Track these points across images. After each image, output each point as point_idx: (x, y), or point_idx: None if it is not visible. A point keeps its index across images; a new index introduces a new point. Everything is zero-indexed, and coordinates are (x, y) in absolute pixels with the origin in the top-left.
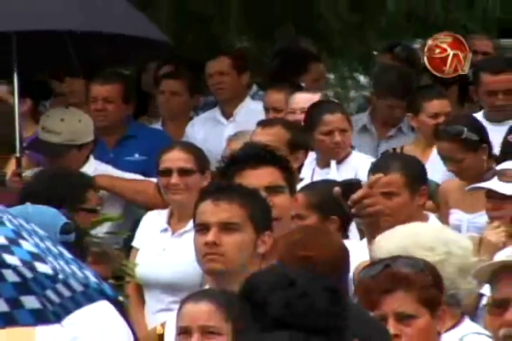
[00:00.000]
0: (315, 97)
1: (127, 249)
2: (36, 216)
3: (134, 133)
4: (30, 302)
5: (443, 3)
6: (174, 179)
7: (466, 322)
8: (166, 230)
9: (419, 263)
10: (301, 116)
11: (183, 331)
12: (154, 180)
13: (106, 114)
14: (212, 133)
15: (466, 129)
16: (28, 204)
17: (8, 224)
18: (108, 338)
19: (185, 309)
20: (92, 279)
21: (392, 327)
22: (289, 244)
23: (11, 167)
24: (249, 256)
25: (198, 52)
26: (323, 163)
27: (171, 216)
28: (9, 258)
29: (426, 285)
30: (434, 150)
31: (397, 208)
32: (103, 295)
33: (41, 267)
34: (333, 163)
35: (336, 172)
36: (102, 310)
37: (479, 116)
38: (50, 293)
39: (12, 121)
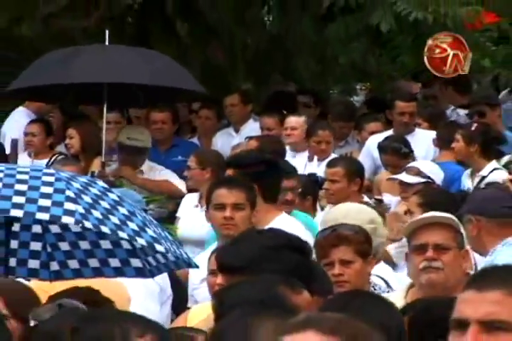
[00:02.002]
0: (301, 119)
1: (172, 218)
2: (129, 196)
3: (176, 144)
4: (135, 262)
5: (376, 58)
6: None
7: (381, 264)
8: (197, 206)
9: (355, 228)
10: (290, 132)
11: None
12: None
13: (162, 131)
14: (225, 142)
15: (402, 145)
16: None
17: (138, 215)
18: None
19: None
20: (184, 255)
21: (337, 270)
22: None
23: (94, 167)
24: (248, 225)
25: (217, 91)
26: (310, 159)
27: (200, 197)
28: (139, 240)
29: (360, 241)
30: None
31: (338, 191)
32: (186, 263)
33: (158, 247)
34: (315, 159)
35: (317, 166)
36: None
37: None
38: (150, 259)
39: (99, 135)
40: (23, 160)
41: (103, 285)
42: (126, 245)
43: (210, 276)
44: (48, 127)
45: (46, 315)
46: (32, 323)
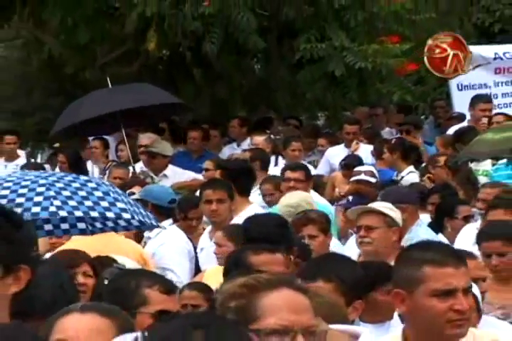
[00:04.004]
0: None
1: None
2: (159, 190)
3: (204, 154)
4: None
5: (332, 95)
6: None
7: (333, 239)
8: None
9: (319, 211)
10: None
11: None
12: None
13: (194, 145)
14: (230, 153)
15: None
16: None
17: (110, 194)
18: (178, 245)
19: None
20: (149, 220)
21: (306, 242)
22: None
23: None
24: (229, 213)
25: (221, 117)
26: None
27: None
28: (108, 214)
29: (322, 221)
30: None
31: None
32: (150, 225)
33: (125, 215)
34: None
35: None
36: (173, 230)
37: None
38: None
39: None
40: (88, 166)
41: (119, 243)
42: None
43: (217, 247)
44: (106, 143)
45: (111, 275)
46: (105, 281)
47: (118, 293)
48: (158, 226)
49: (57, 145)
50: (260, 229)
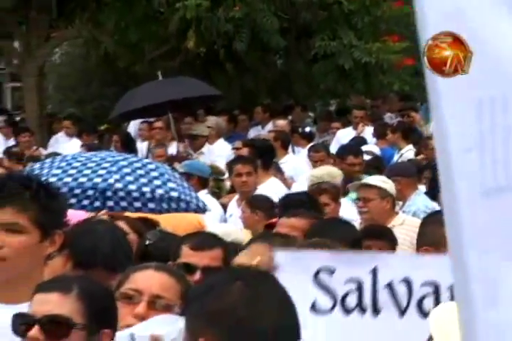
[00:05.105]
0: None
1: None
2: (201, 165)
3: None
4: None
5: (342, 85)
6: None
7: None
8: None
9: (331, 183)
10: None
11: None
12: None
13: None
14: (256, 134)
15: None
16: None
17: (165, 175)
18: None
19: None
20: (195, 201)
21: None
22: None
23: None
24: (254, 184)
25: (249, 104)
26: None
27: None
28: (158, 191)
29: (332, 191)
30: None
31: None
32: (197, 208)
33: (173, 193)
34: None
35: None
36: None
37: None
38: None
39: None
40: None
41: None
42: (148, 195)
43: (242, 213)
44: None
45: (153, 237)
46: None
47: (160, 249)
48: (205, 210)
49: (104, 127)
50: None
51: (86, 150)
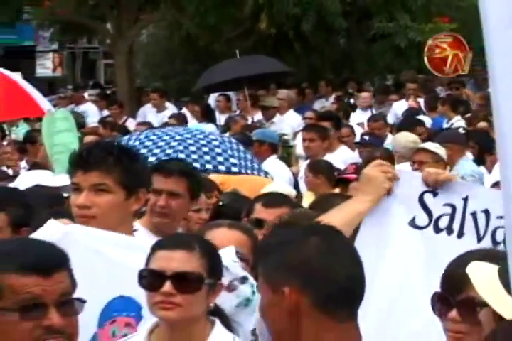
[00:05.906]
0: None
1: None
2: (272, 132)
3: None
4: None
5: (397, 62)
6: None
7: None
8: None
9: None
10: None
11: None
12: None
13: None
14: (319, 105)
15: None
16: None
17: (228, 151)
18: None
19: None
20: (257, 171)
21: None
22: None
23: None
24: None
25: (313, 79)
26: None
27: None
28: (220, 167)
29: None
30: None
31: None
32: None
33: (234, 169)
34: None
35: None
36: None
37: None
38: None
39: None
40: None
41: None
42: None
43: (304, 177)
44: (228, 98)
45: (226, 198)
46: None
47: (232, 209)
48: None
49: (185, 99)
50: None
51: (174, 121)
